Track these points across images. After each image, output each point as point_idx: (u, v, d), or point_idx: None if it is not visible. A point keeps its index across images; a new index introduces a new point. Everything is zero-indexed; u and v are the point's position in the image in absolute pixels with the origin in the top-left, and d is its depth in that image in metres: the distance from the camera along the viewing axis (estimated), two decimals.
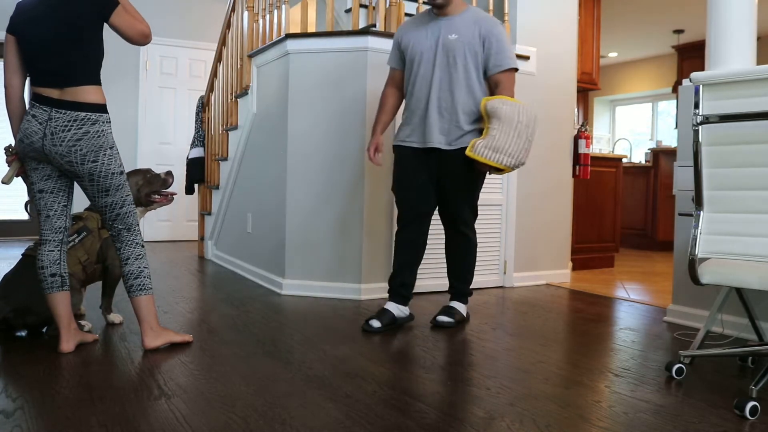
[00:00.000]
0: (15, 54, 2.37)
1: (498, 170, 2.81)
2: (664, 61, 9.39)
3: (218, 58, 5.26)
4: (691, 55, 8.31)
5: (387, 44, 3.65)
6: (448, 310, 3.04)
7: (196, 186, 6.04)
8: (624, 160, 7.39)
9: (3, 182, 2.45)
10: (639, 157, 9.19)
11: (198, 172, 5.48)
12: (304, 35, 3.70)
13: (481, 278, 4.07)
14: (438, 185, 2.99)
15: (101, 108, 2.35)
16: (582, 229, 5.23)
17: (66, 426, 1.71)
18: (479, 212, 3.99)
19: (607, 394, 2.07)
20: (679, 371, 2.26)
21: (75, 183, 2.51)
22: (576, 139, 4.60)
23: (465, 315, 3.09)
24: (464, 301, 3.11)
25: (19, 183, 5.89)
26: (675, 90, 8.56)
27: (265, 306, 3.38)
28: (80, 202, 6.15)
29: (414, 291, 3.78)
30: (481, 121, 2.92)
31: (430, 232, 3.74)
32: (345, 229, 3.66)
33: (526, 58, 4.21)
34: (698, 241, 2.12)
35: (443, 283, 3.88)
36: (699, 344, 2.39)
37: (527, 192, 4.28)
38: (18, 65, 2.38)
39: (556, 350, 2.62)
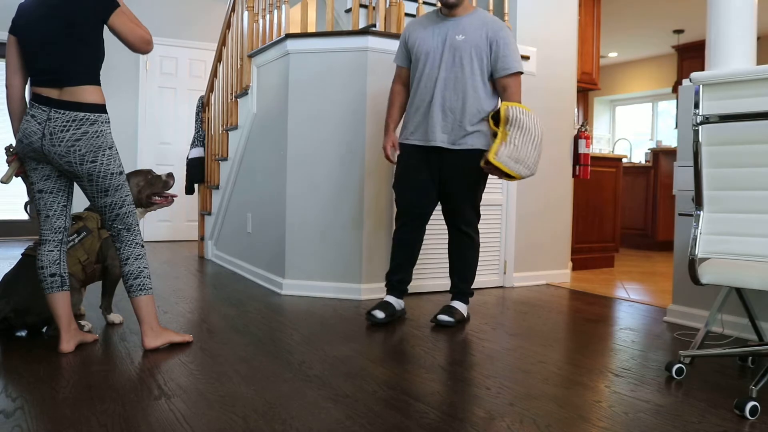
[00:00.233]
0: (16, 54, 2.38)
1: (511, 177, 2.84)
2: (664, 61, 9.39)
3: (218, 58, 5.26)
4: (691, 55, 8.32)
5: (387, 44, 3.65)
6: (449, 310, 3.04)
7: (196, 186, 6.05)
8: (624, 160, 7.39)
9: (2, 181, 2.45)
10: (639, 157, 9.19)
11: (198, 172, 5.48)
12: (304, 35, 3.70)
13: (481, 278, 4.07)
14: (440, 185, 3.01)
15: (100, 108, 2.35)
16: (582, 229, 5.23)
17: (66, 426, 1.71)
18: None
19: (607, 394, 2.07)
20: (679, 371, 2.26)
21: (75, 183, 2.51)
22: (576, 139, 4.60)
23: (465, 315, 3.09)
24: (465, 301, 3.12)
25: (19, 183, 5.88)
26: (675, 90, 8.56)
27: (265, 306, 3.38)
28: (80, 202, 6.15)
29: (414, 291, 3.81)
30: (482, 123, 2.94)
31: (430, 232, 3.76)
32: (345, 229, 3.66)
33: (526, 58, 4.21)
34: (698, 241, 2.12)
35: (443, 283, 3.88)
36: (699, 344, 2.39)
37: (527, 192, 4.28)
38: (19, 65, 2.39)
39: (556, 350, 2.62)
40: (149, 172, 2.92)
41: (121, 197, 2.43)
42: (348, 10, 4.62)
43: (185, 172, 6.26)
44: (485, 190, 3.98)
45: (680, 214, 3.18)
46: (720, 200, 2.10)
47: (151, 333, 2.47)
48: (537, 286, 4.26)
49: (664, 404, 1.98)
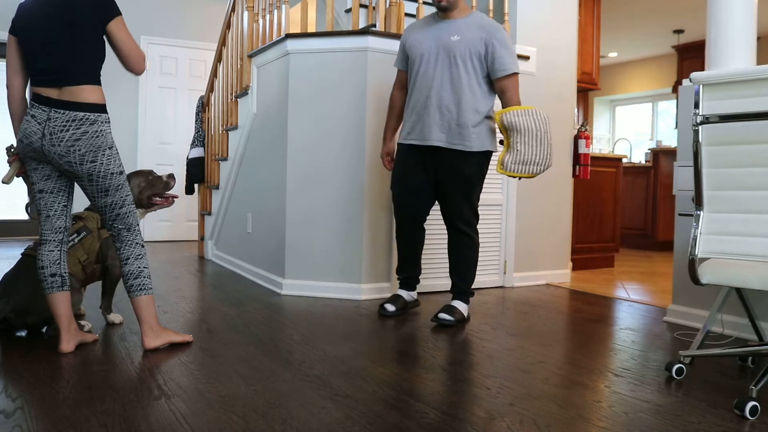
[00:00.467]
0: (16, 54, 2.38)
1: (529, 177, 2.92)
2: (664, 61, 9.39)
3: (218, 58, 5.26)
4: (691, 55, 8.32)
5: (387, 44, 3.65)
6: (449, 309, 3.04)
7: (196, 186, 6.05)
8: (624, 160, 7.40)
9: (3, 182, 2.45)
10: (639, 157, 9.19)
11: (198, 172, 5.48)
12: (304, 35, 3.70)
13: (481, 278, 4.07)
14: (437, 185, 3.03)
15: (100, 108, 2.35)
16: (582, 229, 5.23)
17: (66, 426, 1.71)
18: (479, 212, 4.00)
19: (607, 394, 2.07)
20: (679, 371, 2.26)
21: (75, 183, 2.51)
22: (576, 139, 4.60)
23: (466, 315, 3.10)
24: (465, 301, 3.12)
25: (19, 183, 5.89)
26: (675, 90, 8.56)
27: (265, 306, 3.38)
28: (80, 202, 6.15)
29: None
30: (482, 124, 2.97)
31: (432, 232, 3.76)
32: (345, 229, 3.66)
33: (526, 58, 4.21)
34: (698, 241, 2.12)
35: (444, 283, 3.88)
36: (699, 344, 2.39)
37: (527, 192, 4.28)
38: (19, 66, 2.39)
39: (556, 350, 2.62)
40: (150, 172, 2.92)
41: (122, 197, 2.43)
42: (348, 10, 4.62)
43: (185, 172, 6.26)
44: (485, 190, 4.02)
45: (680, 214, 3.18)
46: (720, 200, 2.10)
47: (151, 333, 2.47)
48: (537, 286, 4.26)
49: (664, 404, 1.98)
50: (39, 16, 2.31)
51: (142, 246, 2.49)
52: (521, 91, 4.19)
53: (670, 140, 9.01)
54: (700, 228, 2.13)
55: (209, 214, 5.41)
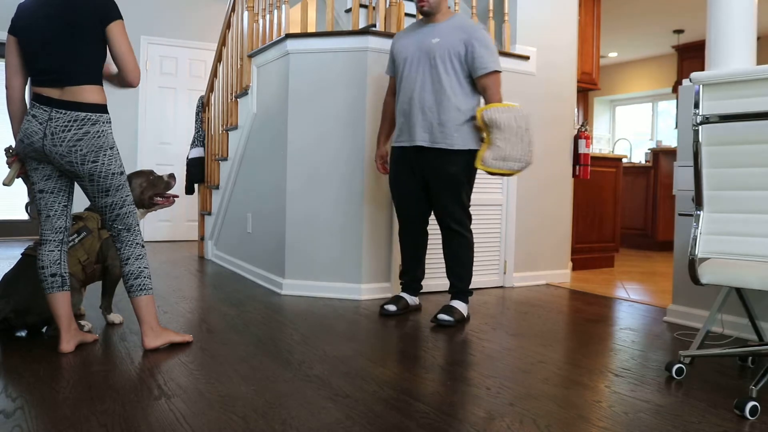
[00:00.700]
0: (16, 55, 2.37)
1: (509, 174, 2.95)
2: (664, 61, 9.39)
3: (218, 58, 5.26)
4: (691, 55, 8.32)
5: (387, 44, 3.65)
6: (448, 309, 3.05)
7: (196, 186, 6.05)
8: (624, 160, 7.40)
9: (4, 184, 2.45)
10: (639, 157, 9.19)
11: (198, 172, 5.48)
12: (304, 35, 3.70)
13: (481, 278, 4.07)
14: (426, 185, 3.11)
15: (102, 108, 2.35)
16: (582, 229, 5.23)
17: (66, 426, 1.71)
18: (479, 212, 4.00)
19: (607, 394, 2.07)
20: (679, 371, 2.26)
21: (75, 183, 2.51)
22: (576, 139, 4.60)
23: (465, 314, 3.10)
24: (464, 300, 3.13)
25: (19, 182, 5.89)
26: (675, 90, 8.56)
27: (265, 306, 3.38)
28: (80, 202, 6.15)
29: None
30: (466, 123, 3.01)
31: (433, 232, 3.76)
32: (345, 229, 3.66)
33: (526, 58, 4.21)
34: (698, 241, 2.12)
35: (444, 283, 3.88)
36: (699, 344, 2.39)
37: (527, 192, 4.28)
38: (19, 66, 2.38)
39: (556, 350, 2.62)
40: (151, 172, 2.92)
41: (122, 197, 2.43)
42: (348, 10, 4.62)
43: (185, 172, 6.26)
44: (485, 190, 4.03)
45: (680, 214, 3.18)
46: (720, 200, 2.10)
47: (151, 333, 2.47)
48: (537, 286, 4.26)
49: (664, 404, 1.98)
50: (39, 16, 2.31)
51: (142, 246, 2.49)
52: (521, 91, 4.20)
53: (670, 140, 9.01)
54: (700, 228, 2.13)
55: (209, 214, 5.41)
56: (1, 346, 2.50)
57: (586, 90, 6.51)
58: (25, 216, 6.51)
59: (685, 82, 3.15)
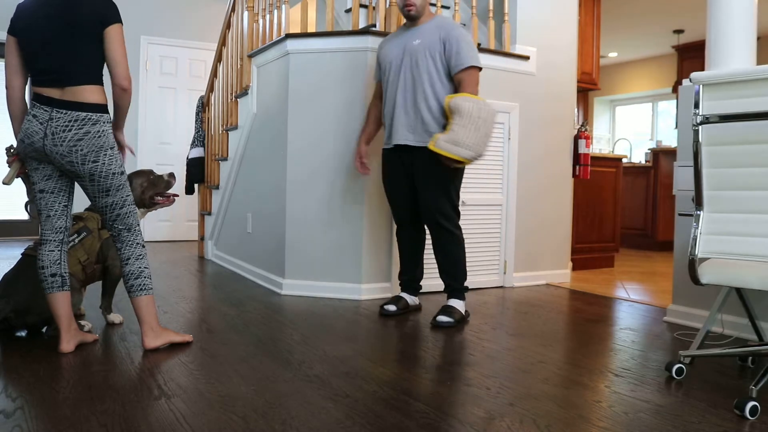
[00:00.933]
0: (16, 55, 2.37)
1: (459, 163, 2.93)
2: (664, 61, 9.39)
3: (218, 58, 5.26)
4: (691, 55, 8.32)
5: None
6: (447, 310, 3.05)
7: (196, 186, 6.05)
8: (624, 160, 7.40)
9: (4, 183, 2.45)
10: (639, 157, 9.19)
11: (198, 172, 5.48)
12: (304, 35, 3.70)
13: (481, 278, 4.07)
14: (414, 184, 3.14)
15: (102, 108, 2.35)
16: (582, 229, 5.23)
17: (66, 426, 1.71)
18: (479, 212, 4.00)
19: (607, 394, 2.07)
20: (679, 371, 2.26)
21: (75, 183, 2.51)
22: (576, 139, 4.60)
23: (464, 312, 3.11)
24: (461, 297, 3.14)
25: (19, 182, 5.89)
26: (675, 90, 8.56)
27: (265, 306, 3.38)
28: (80, 202, 6.15)
29: None
30: (445, 119, 3.04)
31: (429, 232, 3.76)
32: (345, 229, 3.66)
33: (526, 58, 4.21)
34: (698, 241, 2.12)
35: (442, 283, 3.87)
36: (699, 344, 2.39)
37: (527, 192, 4.28)
38: (19, 66, 2.38)
39: (556, 350, 2.62)
40: (151, 172, 2.92)
41: (122, 197, 2.43)
42: (348, 10, 4.62)
43: (185, 172, 6.26)
44: (485, 190, 4.02)
45: (680, 214, 3.18)
46: (720, 200, 2.10)
47: (151, 333, 2.47)
48: (537, 286, 4.26)
49: (664, 404, 1.98)
50: (39, 16, 2.31)
51: (143, 246, 2.49)
52: (521, 91, 4.20)
53: (670, 140, 9.01)
54: (700, 228, 2.13)
55: (209, 214, 5.41)
56: (1, 346, 2.50)
57: (586, 90, 6.52)
58: (25, 216, 6.51)
59: (685, 82, 3.15)
